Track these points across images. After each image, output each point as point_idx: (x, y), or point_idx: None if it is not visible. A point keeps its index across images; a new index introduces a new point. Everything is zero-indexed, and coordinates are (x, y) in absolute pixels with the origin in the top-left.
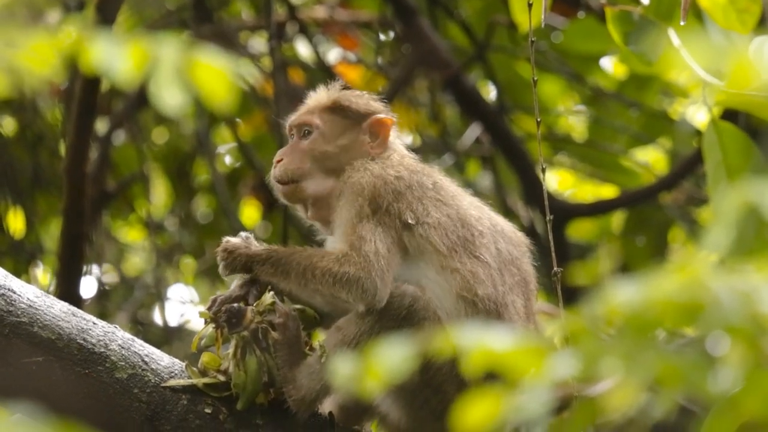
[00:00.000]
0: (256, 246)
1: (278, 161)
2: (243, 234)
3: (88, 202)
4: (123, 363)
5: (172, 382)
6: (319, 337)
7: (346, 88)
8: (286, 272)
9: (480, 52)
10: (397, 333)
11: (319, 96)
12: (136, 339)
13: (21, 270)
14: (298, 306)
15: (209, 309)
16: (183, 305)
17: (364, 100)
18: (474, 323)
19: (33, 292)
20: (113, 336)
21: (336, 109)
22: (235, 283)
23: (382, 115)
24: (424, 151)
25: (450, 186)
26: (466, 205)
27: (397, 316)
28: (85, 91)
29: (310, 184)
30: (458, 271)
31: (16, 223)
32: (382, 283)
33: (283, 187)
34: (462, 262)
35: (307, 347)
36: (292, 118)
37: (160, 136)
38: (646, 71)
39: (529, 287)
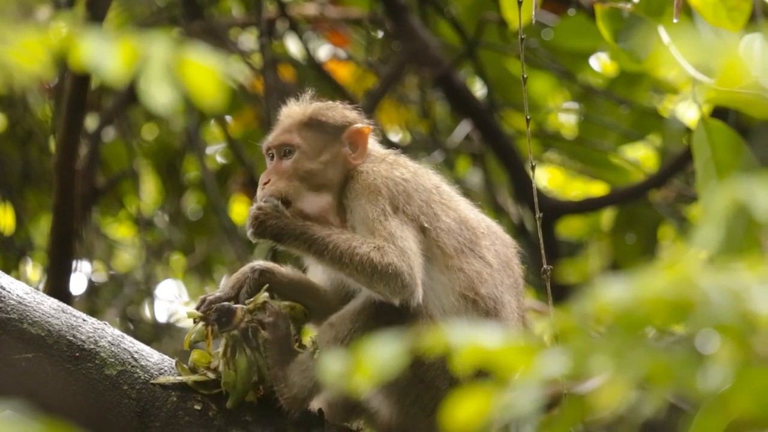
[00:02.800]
0: (288, 217)
1: (265, 183)
2: (274, 201)
3: (78, 198)
4: (112, 360)
5: (161, 379)
6: (310, 332)
7: (317, 100)
8: (320, 252)
9: (470, 49)
10: (390, 330)
11: (293, 113)
12: (125, 336)
13: (11, 266)
14: (287, 303)
15: (198, 308)
16: (172, 302)
17: (339, 112)
18: (474, 321)
19: (22, 289)
20: (103, 333)
21: (313, 124)
22: (224, 282)
23: (359, 125)
24: (414, 148)
25: (447, 187)
26: (464, 207)
27: (390, 313)
28: (75, 88)
29: (305, 204)
30: (463, 271)
31: (6, 219)
32: (419, 280)
33: None
34: (468, 262)
35: (297, 344)
36: (270, 140)
37: (149, 132)
38: (636, 68)
39: (519, 288)
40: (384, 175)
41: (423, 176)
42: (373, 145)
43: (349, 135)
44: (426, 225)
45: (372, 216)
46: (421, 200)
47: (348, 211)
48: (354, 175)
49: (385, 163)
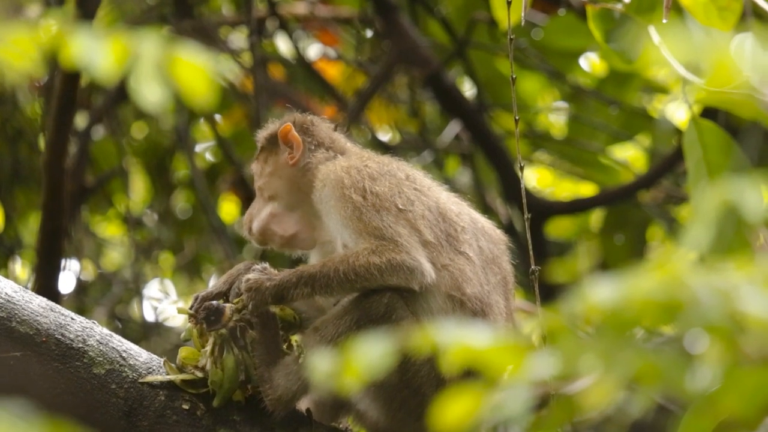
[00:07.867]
0: (277, 273)
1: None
2: (258, 266)
3: (67, 197)
4: (101, 359)
5: (149, 378)
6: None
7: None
8: (327, 285)
9: (460, 49)
10: (376, 332)
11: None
12: (114, 335)
13: None
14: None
15: (192, 306)
16: (161, 301)
17: (269, 126)
18: (460, 323)
19: (11, 287)
20: (91, 332)
21: (262, 149)
22: (215, 278)
23: (278, 128)
24: (404, 147)
25: (424, 178)
26: (445, 198)
27: (375, 316)
28: (64, 86)
29: (278, 226)
30: (447, 268)
31: None
32: (423, 258)
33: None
34: (450, 258)
35: (286, 345)
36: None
37: (139, 131)
38: (626, 69)
39: (508, 287)
40: (343, 166)
41: (391, 164)
42: (344, 141)
43: (281, 140)
44: (401, 207)
45: (346, 215)
46: (390, 183)
47: (326, 219)
48: (312, 177)
49: (346, 156)
